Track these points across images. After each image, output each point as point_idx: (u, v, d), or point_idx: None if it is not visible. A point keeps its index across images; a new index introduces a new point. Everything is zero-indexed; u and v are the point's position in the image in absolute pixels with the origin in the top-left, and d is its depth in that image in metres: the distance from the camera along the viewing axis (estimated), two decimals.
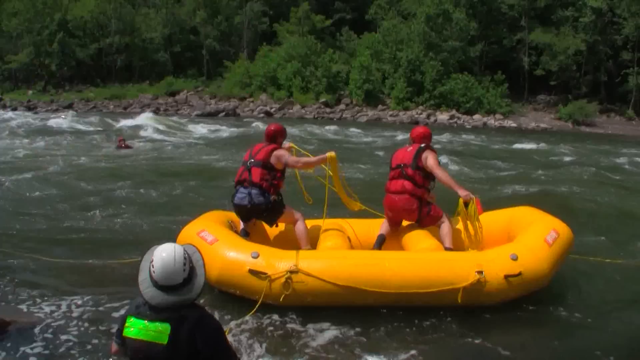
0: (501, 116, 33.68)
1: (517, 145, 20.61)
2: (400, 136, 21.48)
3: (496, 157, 16.45)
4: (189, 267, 2.55)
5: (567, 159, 17.06)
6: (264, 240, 5.54)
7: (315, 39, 37.03)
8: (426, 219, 5.48)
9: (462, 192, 5.27)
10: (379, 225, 5.72)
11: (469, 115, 33.72)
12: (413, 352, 4.10)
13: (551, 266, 4.97)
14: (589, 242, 6.81)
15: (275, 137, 5.53)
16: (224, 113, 34.11)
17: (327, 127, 24.39)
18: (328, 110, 35.01)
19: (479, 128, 31.07)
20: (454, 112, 33.83)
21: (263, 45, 38.64)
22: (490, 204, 6.53)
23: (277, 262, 4.73)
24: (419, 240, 5.36)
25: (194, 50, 41.50)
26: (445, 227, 5.46)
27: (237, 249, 4.91)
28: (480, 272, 4.59)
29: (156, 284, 2.50)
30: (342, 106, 35.59)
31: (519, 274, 4.70)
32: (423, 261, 4.80)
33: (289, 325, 4.51)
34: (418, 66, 34.73)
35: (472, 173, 12.87)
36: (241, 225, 5.47)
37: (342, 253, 5.04)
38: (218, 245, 4.94)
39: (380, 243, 5.49)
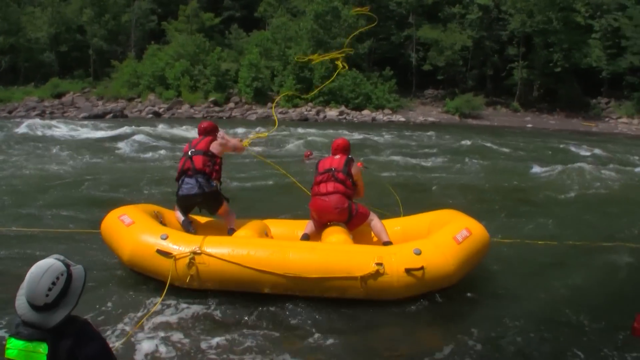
0: (390, 111, 35.52)
1: (405, 141, 22.15)
2: (285, 132, 22.60)
3: (387, 149, 18.19)
4: (58, 292, 2.32)
5: (454, 148, 19.04)
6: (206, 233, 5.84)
7: (204, 37, 37.92)
8: (355, 218, 6.02)
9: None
10: (303, 226, 6.25)
11: (358, 111, 35.35)
12: (316, 342, 4.47)
13: (458, 264, 5.12)
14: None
15: (209, 132, 6.30)
16: (111, 115, 34.26)
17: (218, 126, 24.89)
18: (217, 109, 35.83)
19: (368, 123, 32.77)
20: (343, 108, 35.36)
21: (151, 44, 39.12)
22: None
23: (183, 244, 5.15)
24: (331, 234, 5.76)
25: (81, 50, 41.55)
26: (376, 223, 6.06)
27: (149, 231, 5.40)
28: (379, 264, 4.85)
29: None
30: (231, 104, 36.50)
31: (421, 268, 4.91)
32: (324, 251, 5.17)
33: (197, 312, 4.89)
34: (306, 63, 35.98)
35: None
36: (181, 218, 5.96)
37: (247, 239, 5.44)
38: (134, 227, 5.46)
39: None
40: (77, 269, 2.41)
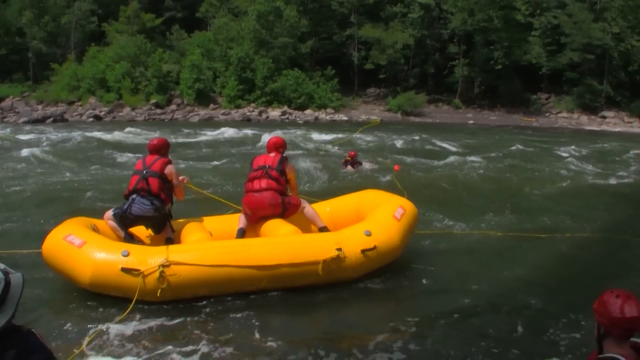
0: (332, 110, 36.12)
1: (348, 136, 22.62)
2: (231, 132, 22.98)
3: (328, 147, 18.73)
4: None
5: (396, 145, 19.83)
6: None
7: (145, 39, 37.90)
8: (288, 210, 6.40)
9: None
10: (236, 220, 6.47)
11: (300, 111, 35.83)
12: (290, 329, 4.89)
13: (401, 239, 5.95)
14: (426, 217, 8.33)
15: (160, 150, 6.27)
16: (52, 119, 34.07)
17: (159, 129, 24.79)
18: (159, 111, 35.88)
19: (310, 123, 33.24)
20: (285, 108, 35.79)
21: (92, 46, 38.96)
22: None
23: (149, 258, 5.12)
24: (278, 227, 6.09)
25: (20, 53, 41.10)
26: (309, 210, 6.49)
27: (107, 249, 5.25)
28: (339, 249, 5.44)
29: None
30: (173, 107, 36.57)
31: (374, 247, 5.60)
32: (287, 243, 5.59)
33: (166, 323, 4.91)
34: (249, 63, 36.34)
35: (308, 165, 14.37)
36: (121, 232, 5.91)
37: (210, 243, 5.68)
38: (87, 247, 5.24)
39: (241, 236, 6.24)
40: (16, 276, 2.28)
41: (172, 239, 6.05)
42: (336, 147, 18.38)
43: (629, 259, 7.41)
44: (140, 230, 6.20)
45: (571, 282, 6.32)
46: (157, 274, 5.02)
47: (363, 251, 5.57)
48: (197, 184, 8.00)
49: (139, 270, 5.04)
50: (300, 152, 17.39)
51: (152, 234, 6.22)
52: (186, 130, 24.67)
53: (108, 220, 6.02)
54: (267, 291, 5.46)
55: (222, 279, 5.24)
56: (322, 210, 6.78)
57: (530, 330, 5.02)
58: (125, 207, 5.94)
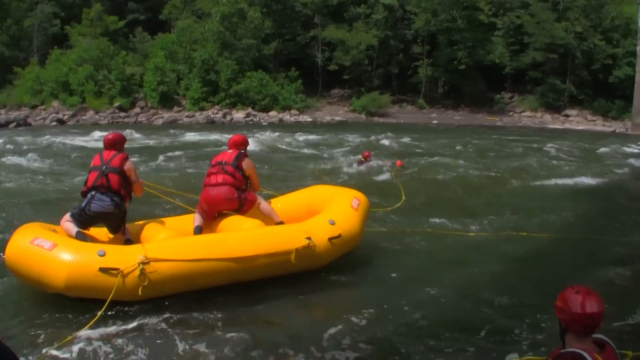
0: (297, 111, 36.44)
1: (312, 137, 23.06)
2: (197, 136, 23.09)
3: (294, 149, 19.25)
4: None
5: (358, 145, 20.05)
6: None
7: (109, 41, 37.87)
8: (245, 206, 6.53)
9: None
10: (191, 220, 6.52)
11: (265, 113, 36.05)
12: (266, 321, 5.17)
13: (361, 226, 6.48)
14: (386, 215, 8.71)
15: (116, 145, 6.13)
16: (14, 123, 33.91)
17: (124, 133, 24.64)
18: (123, 114, 35.88)
19: (275, 124, 33.46)
20: (250, 110, 36.01)
21: (55, 49, 38.85)
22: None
23: (126, 256, 5.07)
24: (240, 223, 6.22)
25: None
26: (265, 206, 6.67)
27: (81, 250, 5.13)
28: (309, 238, 5.78)
29: None
30: (137, 110, 36.61)
31: (339, 235, 6.03)
32: (261, 235, 5.84)
33: (140, 323, 4.92)
34: (213, 65, 36.49)
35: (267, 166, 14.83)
36: (74, 230, 5.66)
37: (187, 239, 5.82)
38: (60, 249, 5.06)
39: (199, 233, 6.27)
40: None
41: (131, 240, 5.99)
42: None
43: (592, 257, 7.64)
44: (97, 233, 6.11)
45: (535, 280, 6.50)
46: (137, 272, 4.98)
47: (330, 239, 5.96)
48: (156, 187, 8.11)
49: (117, 269, 4.97)
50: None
51: (110, 235, 6.11)
52: (150, 133, 24.64)
53: (64, 222, 5.81)
54: (236, 286, 5.64)
55: (202, 273, 5.34)
56: (274, 207, 6.98)
57: (493, 328, 5.18)
58: (84, 204, 5.82)
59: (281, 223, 6.55)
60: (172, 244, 5.55)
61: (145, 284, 5.02)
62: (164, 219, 6.70)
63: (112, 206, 5.81)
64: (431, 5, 38.25)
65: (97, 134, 22.84)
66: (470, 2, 39.15)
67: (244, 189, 6.59)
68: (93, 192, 5.83)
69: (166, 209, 8.22)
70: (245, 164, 6.66)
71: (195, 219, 6.48)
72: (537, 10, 40.85)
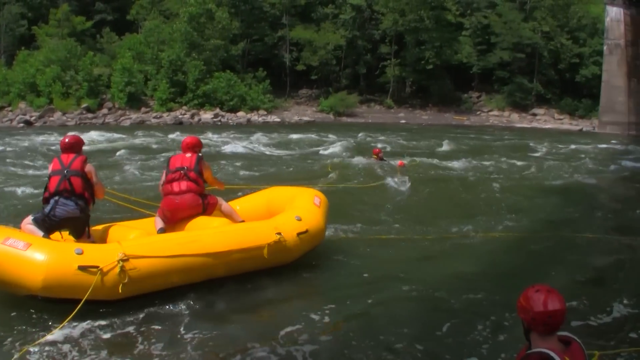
0: (265, 112, 36.72)
1: (282, 138, 23.40)
2: (164, 137, 23.07)
3: (263, 149, 19.56)
4: None
5: (325, 146, 20.38)
6: None
7: (76, 42, 37.89)
8: (208, 209, 6.56)
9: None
10: (153, 223, 6.46)
11: (233, 113, 36.31)
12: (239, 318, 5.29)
13: (324, 222, 6.80)
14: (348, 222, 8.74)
15: (74, 147, 6.00)
16: None
17: (89, 134, 23.99)
18: (90, 115, 35.92)
19: (243, 125, 33.73)
20: (217, 110, 36.24)
21: (22, 49, 38.83)
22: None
23: (105, 254, 5.05)
24: (207, 223, 6.33)
25: None
26: (227, 207, 6.73)
27: (58, 248, 5.04)
28: (279, 234, 6.00)
29: None
30: (104, 110, 36.65)
31: (307, 231, 6.31)
32: (235, 231, 6.04)
33: (113, 323, 4.93)
34: (180, 66, 36.67)
35: (237, 167, 15.10)
36: (39, 233, 5.52)
37: (163, 236, 5.91)
38: (35, 249, 4.94)
39: None
40: None
41: (93, 242, 5.90)
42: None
43: (558, 256, 7.72)
44: (55, 238, 5.94)
45: (500, 280, 6.62)
46: (117, 270, 4.95)
47: (298, 234, 6.23)
48: (117, 189, 8.29)
49: (97, 267, 4.91)
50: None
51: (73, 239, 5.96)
52: (117, 134, 24.57)
53: (26, 225, 5.66)
54: (205, 284, 5.73)
55: (180, 270, 5.42)
56: (233, 208, 7.09)
57: (457, 329, 5.26)
58: (48, 210, 5.66)
59: (242, 221, 6.63)
60: (149, 241, 5.65)
61: (126, 281, 4.99)
62: (127, 222, 6.73)
63: (78, 210, 5.72)
64: (399, 6, 38.75)
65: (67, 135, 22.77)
66: (438, 2, 39.73)
67: (205, 194, 6.64)
68: (57, 198, 5.68)
69: (126, 214, 8.15)
70: (205, 167, 6.67)
71: (157, 222, 6.45)
72: (504, 10, 41.55)
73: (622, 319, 5.68)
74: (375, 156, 15.27)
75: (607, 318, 5.68)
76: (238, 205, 7.38)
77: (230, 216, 6.65)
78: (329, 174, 13.58)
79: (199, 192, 6.50)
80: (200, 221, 6.38)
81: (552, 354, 2.62)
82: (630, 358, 4.78)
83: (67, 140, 6.08)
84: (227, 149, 19.58)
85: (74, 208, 5.69)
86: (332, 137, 23.82)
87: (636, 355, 4.82)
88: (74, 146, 6.04)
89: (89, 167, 5.90)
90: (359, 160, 15.82)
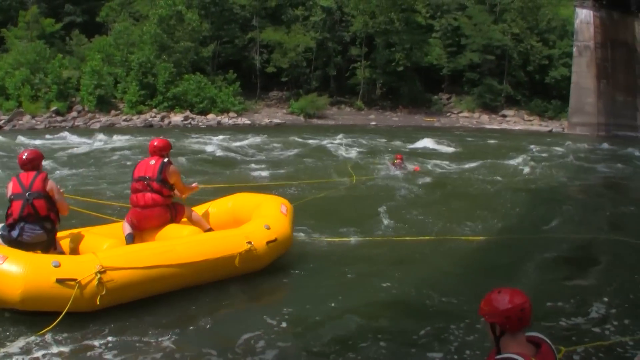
0: (235, 114, 36.96)
1: (250, 140, 23.61)
2: (134, 140, 23.18)
3: (231, 152, 19.67)
4: None
5: (294, 150, 20.70)
6: None
7: (45, 44, 37.91)
8: (176, 218, 6.59)
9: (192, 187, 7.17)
10: (120, 228, 6.49)
11: (203, 115, 36.54)
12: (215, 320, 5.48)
13: (291, 230, 7.07)
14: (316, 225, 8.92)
15: (33, 163, 5.81)
16: None
17: (58, 137, 24.31)
18: (60, 118, 35.93)
19: (213, 127, 33.93)
20: (188, 113, 36.46)
21: None
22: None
23: (82, 266, 5.08)
24: (177, 231, 6.45)
25: None
26: (194, 215, 6.75)
27: (35, 261, 5.06)
28: (250, 242, 6.21)
29: None
30: (74, 114, 36.67)
31: (275, 239, 6.53)
32: (207, 240, 6.21)
33: (93, 333, 4.97)
34: (150, 68, 36.81)
35: (204, 169, 15.41)
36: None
37: (137, 246, 6.01)
38: (11, 262, 4.96)
39: (131, 241, 6.26)
40: None
41: (63, 253, 5.91)
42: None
43: (524, 258, 7.90)
44: None
45: (468, 285, 6.72)
46: (95, 281, 5.02)
47: (267, 242, 6.47)
48: (83, 193, 8.31)
49: (75, 279, 4.96)
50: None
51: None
52: (87, 138, 24.52)
53: None
54: (181, 292, 5.89)
55: (157, 279, 5.54)
56: (200, 214, 7.22)
57: (429, 332, 5.40)
58: (15, 235, 5.59)
59: (210, 230, 6.71)
60: (125, 251, 5.71)
61: (103, 293, 5.08)
62: (94, 228, 6.73)
63: (45, 234, 5.68)
64: (369, 8, 39.18)
65: (37, 139, 22.73)
66: (408, 4, 40.19)
67: (173, 203, 6.59)
68: (22, 224, 5.58)
69: (95, 220, 8.18)
70: (170, 173, 6.47)
71: (125, 227, 6.41)
72: (474, 13, 42.16)
73: (589, 315, 5.96)
74: (397, 160, 15.09)
75: (574, 315, 5.93)
76: (203, 210, 7.50)
77: (198, 223, 6.70)
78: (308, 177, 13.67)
79: (164, 203, 6.43)
80: (170, 229, 6.49)
81: (521, 358, 2.62)
82: (595, 352, 5.04)
83: (25, 156, 5.87)
84: (197, 151, 19.82)
85: (41, 232, 5.65)
86: (299, 140, 24.13)
87: (601, 349, 5.07)
88: (33, 162, 5.85)
89: (50, 185, 5.76)
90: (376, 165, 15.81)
